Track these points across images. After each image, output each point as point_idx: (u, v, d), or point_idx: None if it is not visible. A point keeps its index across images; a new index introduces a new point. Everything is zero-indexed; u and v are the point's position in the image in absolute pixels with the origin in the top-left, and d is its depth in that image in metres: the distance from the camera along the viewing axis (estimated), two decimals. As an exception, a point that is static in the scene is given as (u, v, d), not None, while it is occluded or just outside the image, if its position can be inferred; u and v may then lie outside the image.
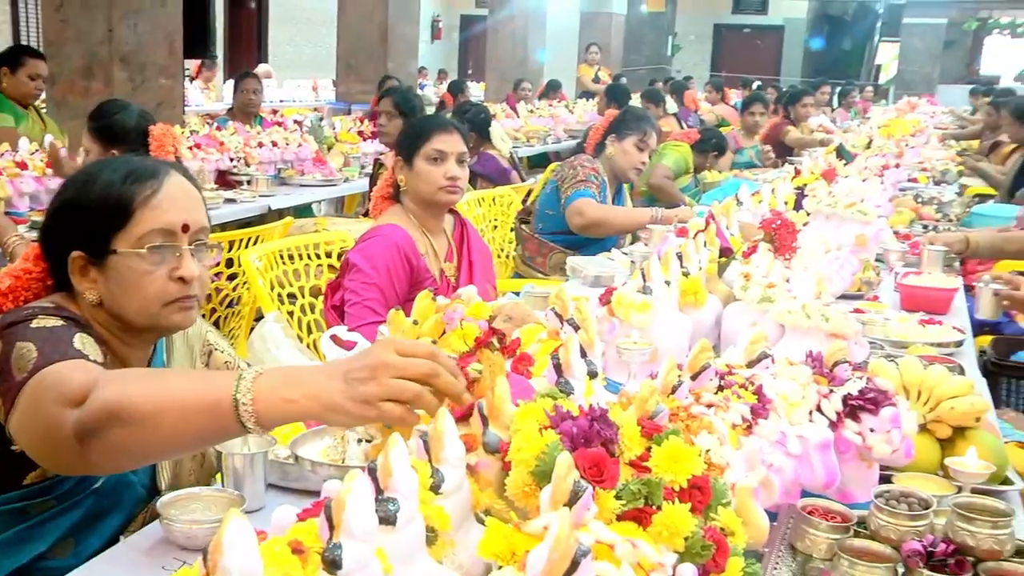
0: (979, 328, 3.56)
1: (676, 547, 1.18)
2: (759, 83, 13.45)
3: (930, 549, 1.42)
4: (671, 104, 8.73)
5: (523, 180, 6.17)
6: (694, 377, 1.60)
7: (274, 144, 6.03)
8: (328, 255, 3.64)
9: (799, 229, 3.06)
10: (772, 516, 1.63)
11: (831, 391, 1.69)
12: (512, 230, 4.81)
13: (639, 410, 1.36)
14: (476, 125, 6.34)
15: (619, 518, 1.19)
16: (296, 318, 3.44)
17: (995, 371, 3.11)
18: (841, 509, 1.57)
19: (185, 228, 1.74)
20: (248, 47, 17.02)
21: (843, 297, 3.14)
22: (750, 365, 1.73)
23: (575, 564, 0.99)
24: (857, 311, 2.92)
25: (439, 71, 20.83)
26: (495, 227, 5.03)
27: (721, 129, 8.02)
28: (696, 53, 24.12)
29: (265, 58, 16.44)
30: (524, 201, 4.89)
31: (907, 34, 21.14)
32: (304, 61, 17.48)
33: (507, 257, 4.94)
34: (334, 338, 2.45)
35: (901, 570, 1.46)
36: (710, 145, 6.63)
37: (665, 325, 2.25)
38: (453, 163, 3.01)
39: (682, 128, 8.40)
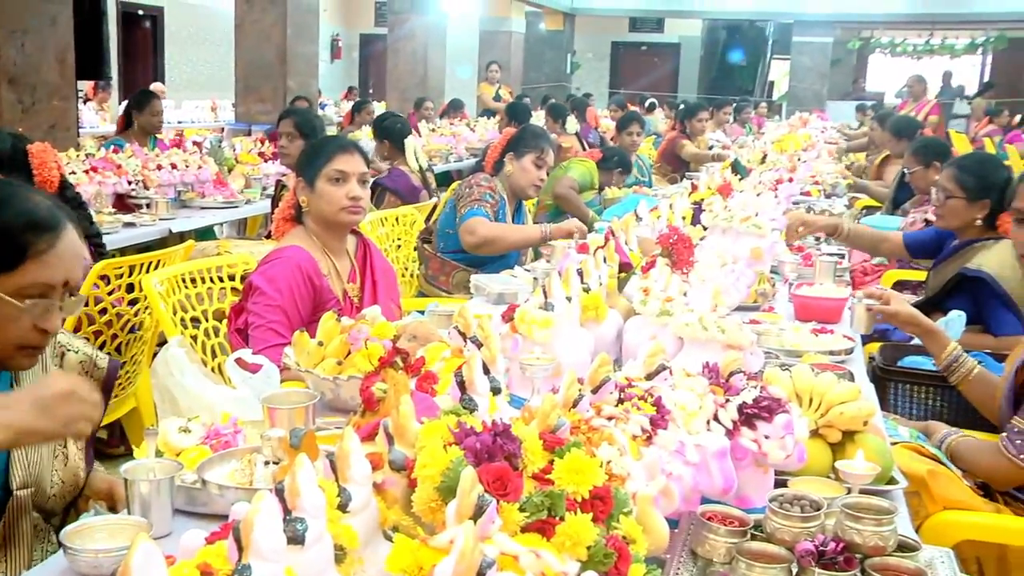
0: (869, 335, 3.70)
1: (579, 556, 1.22)
2: (652, 100, 13.71)
3: (821, 548, 1.49)
4: (571, 123, 8.84)
5: (431, 198, 6.19)
6: (595, 391, 1.64)
7: (173, 166, 5.94)
8: (231, 278, 3.60)
9: (696, 243, 3.15)
10: (673, 523, 1.68)
11: (727, 400, 1.75)
12: (415, 249, 4.83)
13: (541, 424, 1.40)
14: (391, 134, 6.37)
15: (523, 530, 1.23)
16: (200, 342, 3.39)
17: (883, 376, 3.23)
18: (739, 514, 1.63)
19: (65, 284, 1.77)
20: (144, 67, 16.68)
21: (740, 309, 3.24)
22: (649, 377, 1.79)
23: (480, 575, 1.02)
24: (753, 322, 3.02)
25: (348, 88, 20.74)
26: (399, 246, 5.03)
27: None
28: (595, 71, 24.48)
29: (162, 78, 16.14)
30: (427, 220, 4.91)
31: (797, 52, 21.78)
32: (202, 81, 17.22)
33: (411, 276, 4.95)
34: (239, 361, 2.44)
35: (795, 570, 1.52)
36: (613, 163, 6.76)
37: (567, 340, 2.30)
38: (355, 184, 3.02)
39: (583, 145, 8.52)
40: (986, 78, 23.14)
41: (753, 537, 1.59)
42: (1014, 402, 2.43)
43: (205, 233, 6.04)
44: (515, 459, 1.31)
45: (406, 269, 5.04)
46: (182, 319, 3.35)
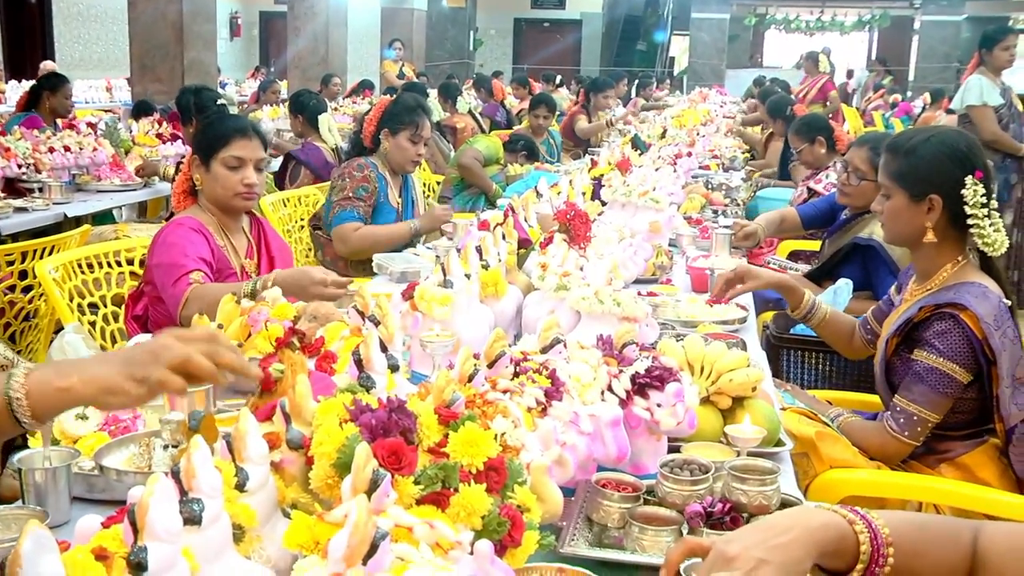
0: (764, 304, 3.81)
1: (474, 525, 1.26)
2: (560, 78, 13.79)
3: (709, 510, 1.56)
4: (462, 103, 8.82)
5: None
6: (490, 365, 1.68)
7: (67, 149, 5.78)
8: (130, 262, 3.55)
9: (594, 219, 3.21)
10: (570, 491, 1.73)
11: (620, 371, 1.80)
12: (310, 234, 4.78)
13: (436, 399, 1.43)
14: (305, 109, 6.35)
15: (419, 502, 1.26)
16: (99, 328, 3.34)
17: (776, 344, 3.35)
18: (632, 480, 1.69)
19: None
20: (31, 45, 16.07)
21: (638, 282, 3.31)
22: (544, 351, 1.83)
23: (374, 547, 1.05)
24: (650, 294, 3.08)
25: (255, 68, 20.41)
26: (301, 227, 5.00)
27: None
28: (498, 47, 24.53)
29: (52, 56, 15.62)
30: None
31: (695, 28, 22.13)
32: (95, 60, 16.71)
33: (314, 257, 4.92)
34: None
35: (686, 531, 1.59)
36: (519, 147, 6.82)
37: (466, 317, 2.33)
38: (251, 170, 3.01)
39: (479, 124, 8.53)
40: (873, 54, 23.91)
41: (646, 502, 1.65)
42: (886, 370, 2.55)
43: (103, 217, 5.91)
44: (410, 434, 1.34)
45: (310, 249, 5.01)
46: (79, 305, 3.29)
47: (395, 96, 4.61)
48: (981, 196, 2.43)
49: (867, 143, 3.79)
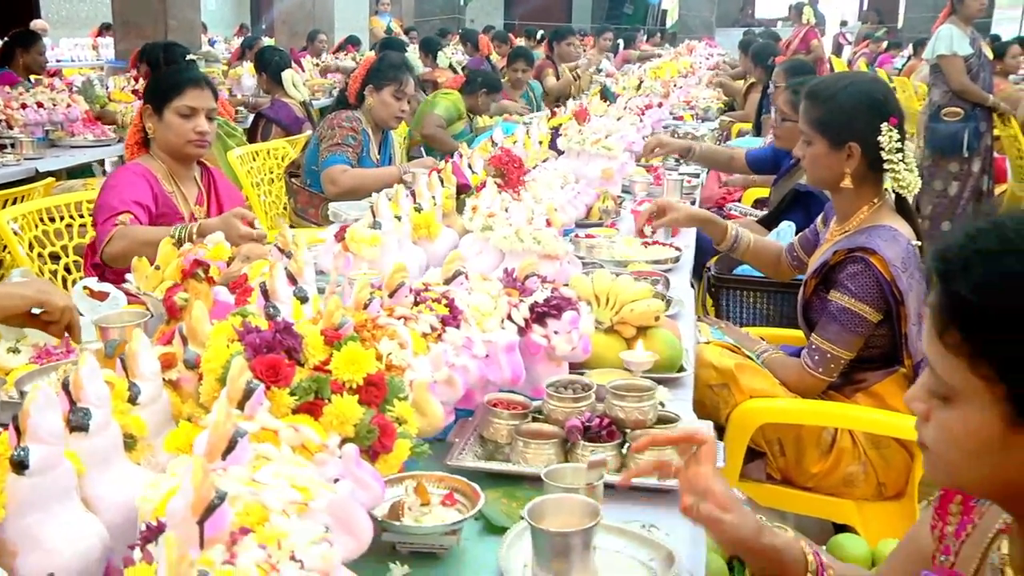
0: (714, 250, 3.91)
1: (347, 433, 1.37)
2: (541, 33, 13.77)
3: (587, 424, 1.67)
4: (443, 58, 8.84)
5: (314, 130, 6.22)
6: (392, 295, 1.78)
7: (39, 105, 5.86)
8: (92, 214, 3.64)
9: (535, 165, 3.30)
10: (471, 412, 1.85)
11: (521, 301, 1.91)
12: (285, 183, 4.88)
13: (326, 322, 1.53)
14: (268, 67, 6.47)
15: (295, 412, 1.37)
16: (60, 277, 3.45)
17: (717, 284, 3.46)
18: (522, 400, 1.80)
19: None
20: (17, 3, 16.00)
21: (583, 225, 3.41)
22: (447, 282, 1.93)
23: (233, 444, 1.15)
24: (588, 236, 3.18)
25: (240, 25, 20.35)
26: (271, 180, 5.09)
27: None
28: (489, 2, 24.32)
29: (38, 14, 15.58)
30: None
31: (686, -20, 21.96)
32: (81, 18, 16.68)
33: (283, 209, 5.02)
34: (86, 289, 2.52)
35: (568, 445, 1.70)
36: (477, 85, 6.69)
37: (396, 256, 2.43)
38: (203, 119, 3.11)
39: (464, 77, 8.58)
40: (865, 6, 23.77)
41: (534, 420, 1.76)
42: (805, 309, 2.65)
43: (81, 173, 5.98)
44: (296, 353, 1.45)
45: (279, 200, 5.10)
46: (40, 255, 3.39)
47: (381, 54, 4.71)
48: (896, 141, 2.53)
49: (789, 88, 3.92)
